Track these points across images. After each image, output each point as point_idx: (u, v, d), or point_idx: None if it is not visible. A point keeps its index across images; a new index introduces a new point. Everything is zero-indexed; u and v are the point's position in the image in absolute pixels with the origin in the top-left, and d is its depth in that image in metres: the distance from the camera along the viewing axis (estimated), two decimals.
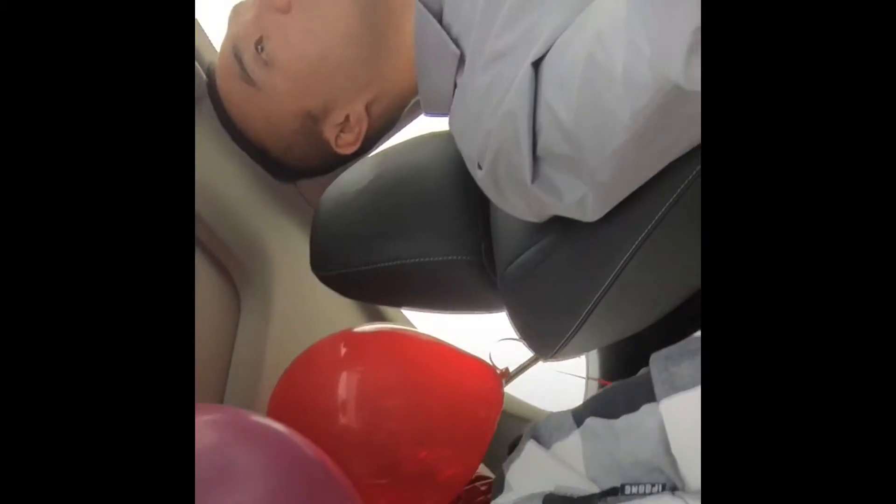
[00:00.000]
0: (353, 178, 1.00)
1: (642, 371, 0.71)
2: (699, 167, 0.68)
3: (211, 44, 1.06)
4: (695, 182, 0.69)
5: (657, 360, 0.68)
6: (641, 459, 0.65)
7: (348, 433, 0.96)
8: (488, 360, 1.02)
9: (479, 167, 0.75)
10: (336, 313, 1.23)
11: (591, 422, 0.69)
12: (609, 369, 1.26)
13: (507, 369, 1.01)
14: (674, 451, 0.64)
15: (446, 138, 1.02)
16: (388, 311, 1.35)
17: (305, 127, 0.83)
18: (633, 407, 0.67)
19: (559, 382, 1.20)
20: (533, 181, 0.69)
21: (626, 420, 0.67)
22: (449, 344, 1.03)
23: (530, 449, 0.72)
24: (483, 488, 1.05)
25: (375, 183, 0.98)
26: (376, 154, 1.00)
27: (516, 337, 0.90)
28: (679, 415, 0.64)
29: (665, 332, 0.76)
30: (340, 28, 0.79)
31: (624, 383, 0.71)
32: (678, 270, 0.77)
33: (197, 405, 0.84)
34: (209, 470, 0.66)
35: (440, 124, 0.90)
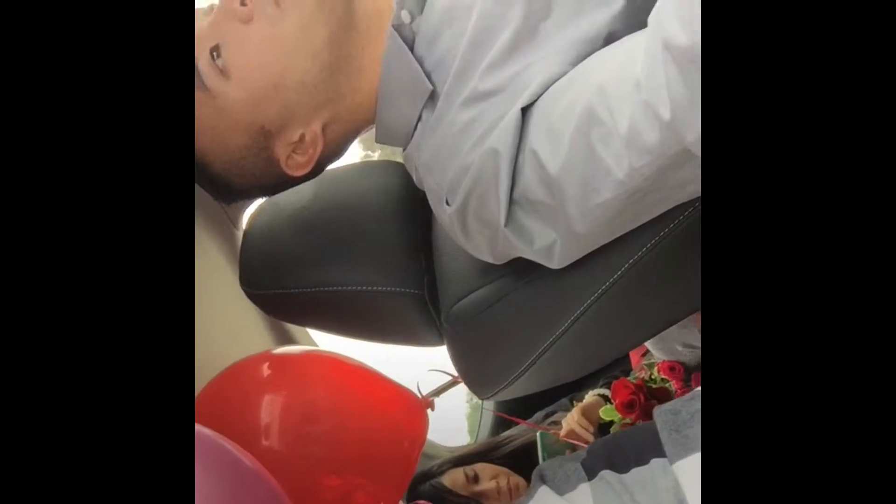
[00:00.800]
0: (290, 197, 0.97)
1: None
2: (665, 230, 0.71)
3: None
4: (659, 244, 0.71)
5: (663, 414, 0.70)
6: None
7: (268, 456, 0.93)
8: (415, 390, 1.01)
9: (448, 203, 0.75)
10: (247, 331, 1.19)
11: (605, 475, 0.69)
12: None
13: (432, 400, 1.01)
14: None
15: (388, 169, 1.01)
16: (296, 332, 1.32)
17: (256, 142, 0.80)
18: (642, 460, 0.68)
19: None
20: (506, 224, 0.70)
21: (637, 473, 0.68)
22: (373, 370, 1.01)
23: (544, 495, 0.71)
24: None
25: (316, 205, 0.96)
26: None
27: (444, 370, 0.91)
28: (696, 475, 0.65)
29: None
30: (304, 43, 0.76)
31: (627, 434, 0.72)
32: (631, 324, 0.80)
33: None
34: None
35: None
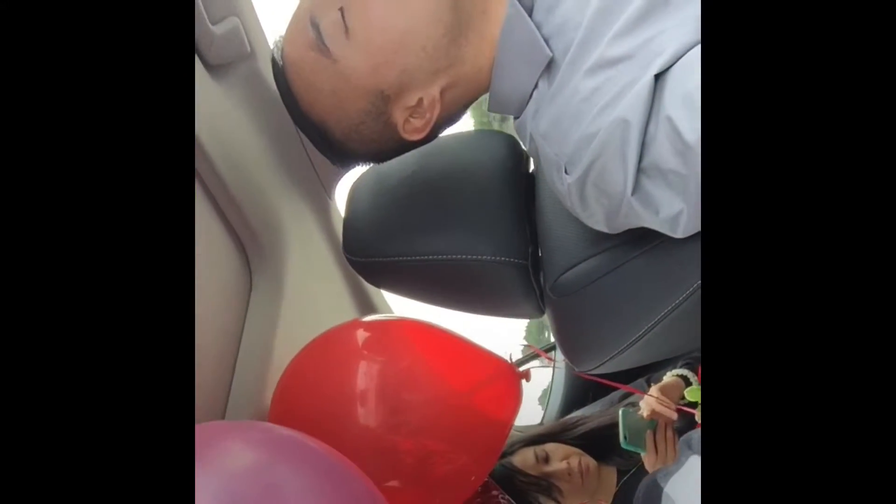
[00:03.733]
0: (394, 165, 0.97)
1: None
2: None
3: (251, 5, 1.01)
4: None
5: None
6: None
7: (365, 430, 0.94)
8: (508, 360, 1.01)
9: (567, 172, 0.74)
10: (335, 298, 1.20)
11: None
12: None
13: (528, 371, 1.01)
14: None
15: (493, 138, 1.01)
16: (378, 302, 1.33)
17: (375, 107, 0.80)
18: None
19: None
20: (633, 193, 0.69)
21: None
22: (467, 339, 1.02)
23: (694, 463, 0.71)
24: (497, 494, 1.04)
25: (420, 174, 0.96)
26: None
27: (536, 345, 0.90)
28: None
29: None
30: (428, 7, 0.76)
31: None
32: None
33: (226, 423, 0.82)
34: (256, 491, 0.63)
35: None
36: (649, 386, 1.36)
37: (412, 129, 0.83)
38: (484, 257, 0.90)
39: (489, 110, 0.85)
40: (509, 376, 0.99)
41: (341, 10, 0.76)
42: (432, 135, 0.85)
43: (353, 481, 0.73)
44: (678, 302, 0.77)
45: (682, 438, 0.76)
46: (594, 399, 1.58)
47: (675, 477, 0.73)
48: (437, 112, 0.82)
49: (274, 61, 0.83)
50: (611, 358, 0.85)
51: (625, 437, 1.24)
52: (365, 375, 0.96)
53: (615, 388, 1.42)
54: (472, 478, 0.99)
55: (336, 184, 1.16)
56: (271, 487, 0.64)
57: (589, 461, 1.36)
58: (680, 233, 0.71)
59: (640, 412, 1.27)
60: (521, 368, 1.02)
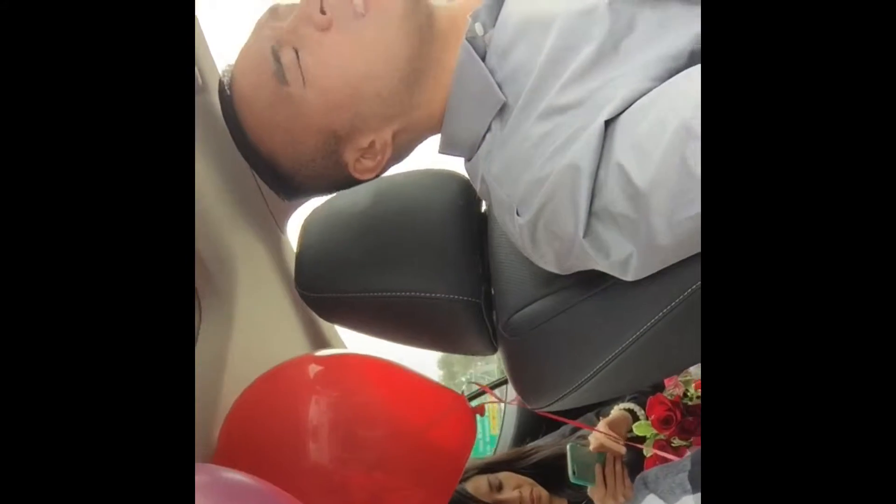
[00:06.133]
0: (348, 200, 0.97)
1: None
2: None
3: (203, 39, 1.01)
4: None
5: None
6: None
7: (316, 466, 0.93)
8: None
9: (518, 214, 0.75)
10: (286, 333, 1.19)
11: None
12: None
13: (483, 406, 1.01)
14: None
15: (447, 177, 1.02)
16: (330, 336, 1.32)
17: (327, 145, 0.81)
18: None
19: None
20: (584, 236, 0.70)
21: None
22: (421, 374, 1.01)
23: (651, 503, 0.72)
24: None
25: (375, 209, 0.96)
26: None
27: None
28: None
29: None
30: (385, 55, 0.77)
31: None
32: (698, 339, 0.80)
33: None
34: None
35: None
36: (598, 419, 1.37)
37: (363, 168, 0.83)
38: (437, 295, 0.90)
39: (440, 152, 0.86)
40: (463, 410, 0.99)
41: (296, 49, 0.76)
42: (380, 174, 0.86)
43: None
44: (629, 342, 0.78)
45: (638, 477, 0.77)
46: (547, 430, 1.59)
47: None
48: (388, 154, 0.83)
49: (222, 90, 0.82)
50: (563, 396, 0.86)
51: (573, 472, 1.24)
52: (316, 410, 0.95)
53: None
54: None
55: (288, 218, 1.16)
56: None
57: (541, 491, 1.37)
58: (630, 276, 0.73)
59: (587, 444, 1.28)
60: (474, 403, 1.02)
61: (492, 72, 0.78)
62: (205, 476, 0.72)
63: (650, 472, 0.75)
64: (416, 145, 0.87)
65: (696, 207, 0.64)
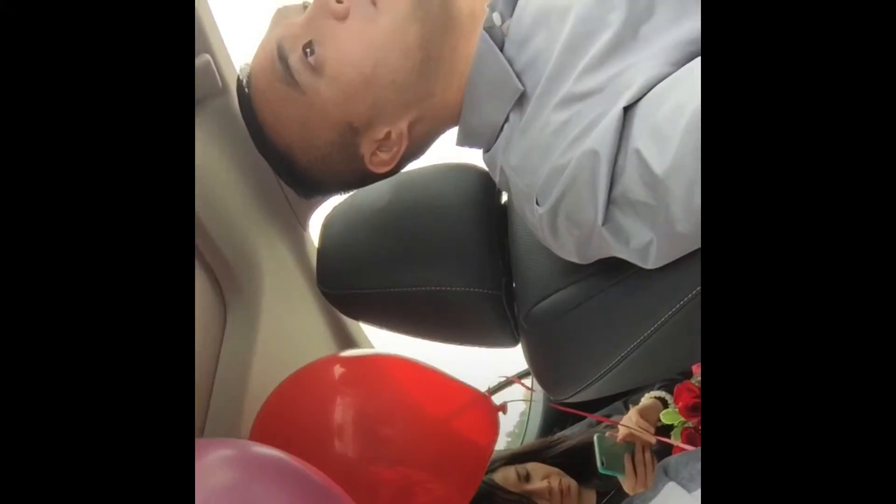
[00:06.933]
0: (368, 197, 0.98)
1: None
2: None
3: (222, 42, 1.01)
4: None
5: None
6: None
7: (344, 459, 0.93)
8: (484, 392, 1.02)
9: (538, 203, 0.75)
10: (312, 333, 1.20)
11: None
12: None
13: (505, 404, 1.01)
14: None
15: (465, 171, 1.01)
16: (356, 335, 1.33)
17: (343, 139, 0.81)
18: None
19: None
20: (603, 224, 0.70)
21: None
22: (444, 373, 1.02)
23: (672, 491, 0.71)
24: None
25: (394, 205, 0.96)
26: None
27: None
28: None
29: None
30: (399, 42, 0.77)
31: None
32: None
33: (199, 440, 0.82)
34: None
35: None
36: (627, 408, 1.37)
37: (379, 161, 0.83)
38: (458, 288, 0.90)
39: (457, 144, 0.86)
40: (486, 405, 0.99)
41: (310, 44, 0.76)
42: (398, 168, 0.86)
43: (332, 499, 0.73)
44: (651, 331, 0.78)
45: (658, 464, 0.76)
46: (574, 420, 1.59)
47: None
48: (404, 146, 0.82)
49: (240, 87, 0.83)
50: (585, 387, 0.86)
51: (601, 463, 1.24)
52: (343, 410, 0.96)
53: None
54: None
55: (310, 216, 1.17)
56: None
57: (570, 481, 1.37)
58: (650, 263, 0.72)
59: (614, 434, 1.28)
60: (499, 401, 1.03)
61: (510, 61, 0.78)
62: (235, 450, 0.74)
63: (671, 460, 0.74)
64: (433, 139, 0.86)
65: None
